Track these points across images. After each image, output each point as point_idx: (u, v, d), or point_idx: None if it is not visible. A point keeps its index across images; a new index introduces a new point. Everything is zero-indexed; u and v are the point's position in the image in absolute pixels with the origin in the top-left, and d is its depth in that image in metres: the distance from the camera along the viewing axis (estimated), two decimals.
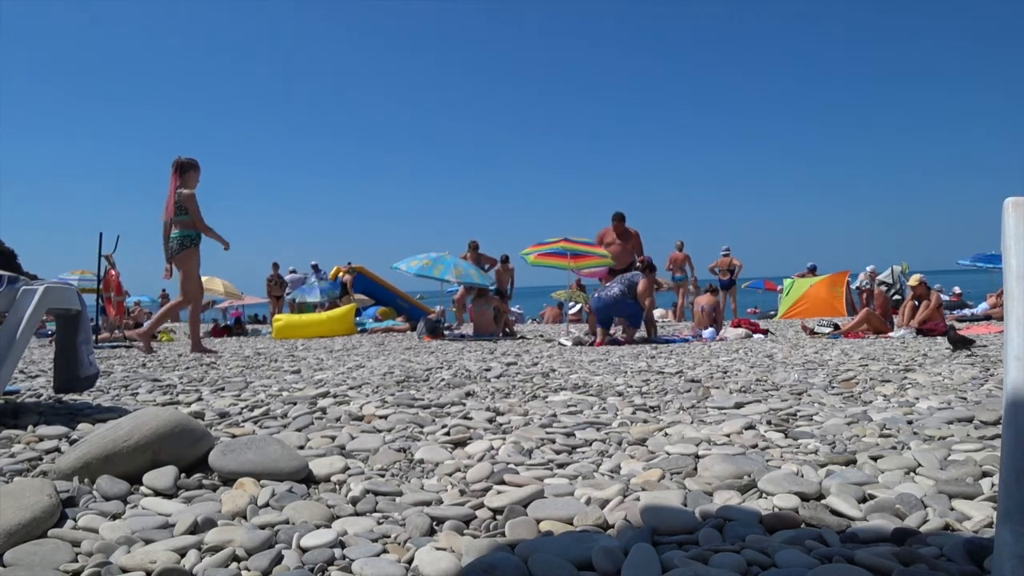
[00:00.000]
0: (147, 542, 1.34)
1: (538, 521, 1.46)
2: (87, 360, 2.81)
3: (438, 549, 1.30)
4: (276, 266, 16.04)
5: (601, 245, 8.88)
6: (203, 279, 17.88)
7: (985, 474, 1.74)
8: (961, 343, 5.36)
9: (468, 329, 9.55)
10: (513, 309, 13.72)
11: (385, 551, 1.31)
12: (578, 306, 14.40)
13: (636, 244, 8.80)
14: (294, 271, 16.46)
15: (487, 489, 1.69)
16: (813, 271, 15.95)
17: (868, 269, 14.57)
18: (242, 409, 2.84)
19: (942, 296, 9.72)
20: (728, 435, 2.26)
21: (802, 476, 1.75)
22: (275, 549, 1.30)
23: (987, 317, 11.26)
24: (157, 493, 1.67)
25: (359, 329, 10.75)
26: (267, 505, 1.58)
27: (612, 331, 7.81)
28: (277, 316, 11.35)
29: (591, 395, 3.24)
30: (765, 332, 8.52)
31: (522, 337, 9.08)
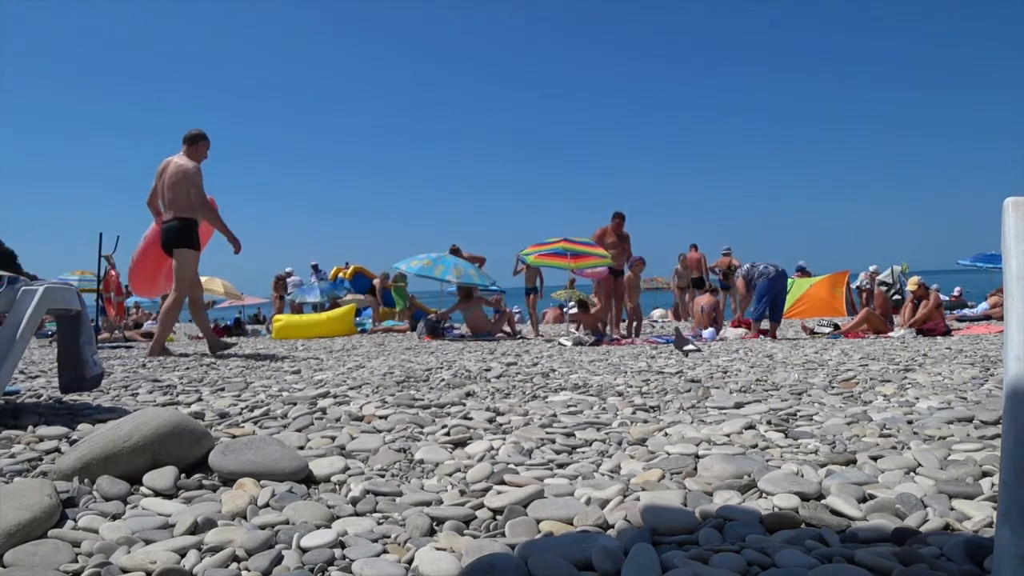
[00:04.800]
0: (147, 542, 1.34)
1: (538, 521, 1.46)
2: (91, 360, 2.81)
3: (438, 549, 1.30)
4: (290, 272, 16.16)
5: (601, 244, 8.94)
6: (203, 279, 17.91)
7: (985, 474, 1.74)
8: (683, 343, 5.80)
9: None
10: (513, 309, 13.72)
11: (385, 551, 1.31)
12: None
13: (628, 246, 9.14)
14: (290, 273, 16.46)
15: (487, 489, 1.69)
16: (804, 272, 15.86)
17: (870, 269, 14.55)
18: (242, 409, 2.84)
19: (941, 296, 9.71)
20: (728, 435, 2.25)
21: (802, 476, 1.75)
22: (275, 549, 1.30)
23: (987, 317, 11.26)
24: (157, 493, 1.67)
25: (359, 329, 10.76)
26: (267, 505, 1.58)
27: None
28: (277, 316, 11.36)
29: (591, 395, 3.24)
30: (765, 332, 8.52)
31: (522, 337, 9.08)
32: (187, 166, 5.24)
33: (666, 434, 2.30)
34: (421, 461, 1.99)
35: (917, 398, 2.96)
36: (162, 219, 5.52)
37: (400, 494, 1.66)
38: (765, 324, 8.59)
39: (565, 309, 15.26)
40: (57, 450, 2.10)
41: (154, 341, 5.60)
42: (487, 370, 4.38)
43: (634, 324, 9.36)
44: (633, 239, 9.36)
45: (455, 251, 10.20)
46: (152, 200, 5.60)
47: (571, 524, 1.45)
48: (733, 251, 14.33)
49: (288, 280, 15.98)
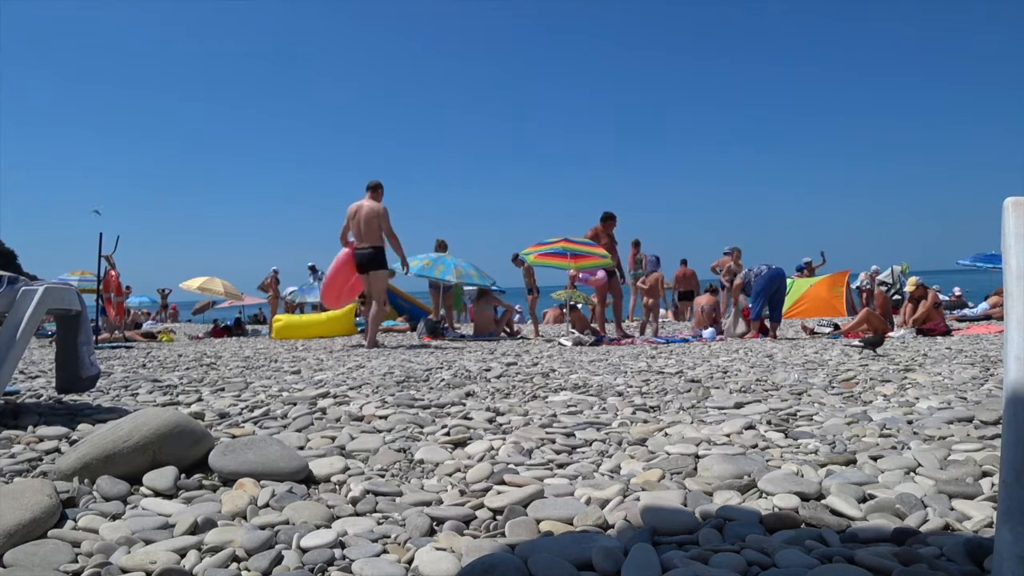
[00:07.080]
0: (147, 542, 1.34)
1: (538, 521, 1.46)
2: (88, 360, 2.81)
3: (438, 549, 1.30)
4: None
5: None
6: (203, 279, 17.72)
7: (985, 474, 1.74)
8: (874, 344, 5.54)
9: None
10: (514, 308, 13.71)
11: (385, 551, 1.31)
12: (579, 306, 14.36)
13: (617, 246, 9.44)
14: (276, 272, 16.37)
15: (487, 489, 1.69)
16: (810, 270, 15.81)
17: (872, 269, 14.54)
18: (242, 409, 2.84)
19: (941, 296, 9.72)
20: (728, 435, 2.25)
21: (802, 476, 1.75)
22: (275, 549, 1.30)
23: (987, 317, 11.26)
24: (157, 493, 1.67)
25: (359, 329, 10.75)
26: (267, 505, 1.58)
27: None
28: (277, 316, 11.34)
29: (591, 395, 3.24)
30: (765, 331, 8.52)
31: (522, 337, 9.08)
32: (379, 208, 7.12)
33: (666, 434, 2.30)
34: (421, 461, 1.99)
35: (917, 398, 2.96)
36: (355, 246, 7.23)
37: (400, 494, 1.66)
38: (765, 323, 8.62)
39: (565, 309, 15.27)
40: (57, 450, 2.10)
41: (369, 339, 7.09)
42: (487, 370, 4.38)
43: (650, 319, 10.04)
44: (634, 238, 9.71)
45: (442, 245, 10.23)
46: (343, 234, 7.36)
47: (571, 524, 1.45)
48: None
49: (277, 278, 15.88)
